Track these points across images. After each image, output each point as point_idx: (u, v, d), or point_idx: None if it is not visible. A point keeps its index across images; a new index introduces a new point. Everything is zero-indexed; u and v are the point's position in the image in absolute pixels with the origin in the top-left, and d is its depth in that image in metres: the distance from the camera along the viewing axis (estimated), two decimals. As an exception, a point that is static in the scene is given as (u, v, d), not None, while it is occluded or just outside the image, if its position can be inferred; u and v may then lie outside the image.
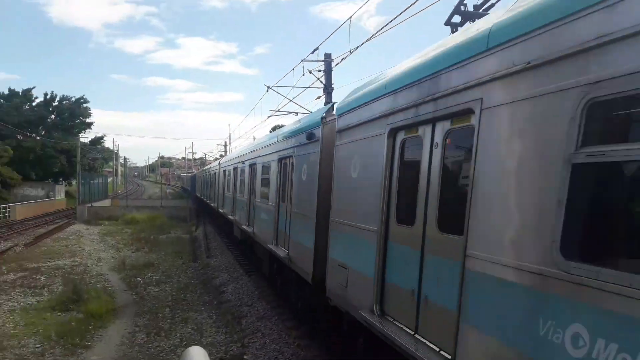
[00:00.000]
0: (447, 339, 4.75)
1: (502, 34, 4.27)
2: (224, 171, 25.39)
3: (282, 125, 22.27)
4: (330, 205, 8.26)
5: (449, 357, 4.70)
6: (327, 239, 8.34)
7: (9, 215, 44.99)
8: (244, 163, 18.41)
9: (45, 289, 17.07)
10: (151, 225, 37.77)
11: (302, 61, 20.14)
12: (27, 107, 69.54)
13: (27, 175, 64.04)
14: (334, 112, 8.84)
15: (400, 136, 6.16)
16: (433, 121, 5.35)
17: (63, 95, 73.04)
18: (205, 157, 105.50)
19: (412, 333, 5.48)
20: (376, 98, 6.81)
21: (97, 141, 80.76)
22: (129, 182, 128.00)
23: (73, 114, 72.74)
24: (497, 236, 4.10)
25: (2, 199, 53.69)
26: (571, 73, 3.54)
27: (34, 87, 73.39)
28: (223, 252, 24.28)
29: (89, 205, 45.34)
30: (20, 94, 69.74)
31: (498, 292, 4.04)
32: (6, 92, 69.35)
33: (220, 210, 26.47)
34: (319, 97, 21.36)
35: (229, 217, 22.19)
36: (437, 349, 4.97)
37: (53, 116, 72.13)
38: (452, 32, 9.21)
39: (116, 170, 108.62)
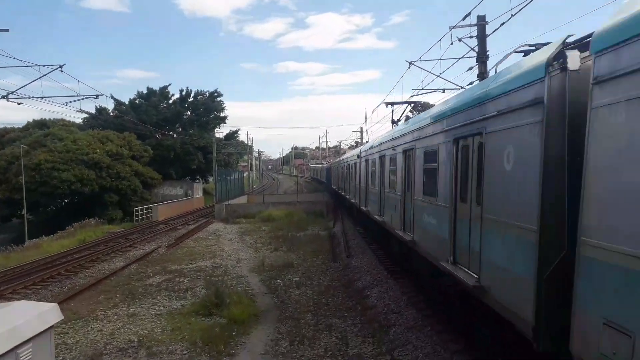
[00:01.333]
0: (477, 267, 8.52)
1: (460, 105, 9.85)
2: (367, 161, 24.93)
3: (428, 105, 22.39)
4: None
5: (477, 277, 8.49)
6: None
7: (152, 216, 49.67)
8: (393, 150, 17.03)
9: (189, 292, 18.49)
10: (288, 222, 39.39)
11: (450, 29, 19.44)
12: (164, 105, 76.21)
13: (167, 174, 70.27)
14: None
15: (460, 143, 9.87)
16: (472, 136, 9.11)
17: (197, 91, 78.87)
18: (339, 145, 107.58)
19: (467, 270, 9.19)
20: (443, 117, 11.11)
21: (232, 135, 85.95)
22: (263, 175, 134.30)
23: (208, 108, 78.28)
24: (494, 204, 7.79)
25: (143, 199, 59.45)
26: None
27: (169, 85, 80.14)
28: (364, 251, 24.51)
29: (227, 203, 48.47)
30: (158, 92, 76.52)
31: (494, 235, 7.76)
32: (145, 91, 76.53)
33: (363, 209, 26.56)
34: (470, 69, 20.54)
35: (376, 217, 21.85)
36: (474, 274, 8.69)
37: (189, 112, 78.24)
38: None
39: (251, 164, 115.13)
